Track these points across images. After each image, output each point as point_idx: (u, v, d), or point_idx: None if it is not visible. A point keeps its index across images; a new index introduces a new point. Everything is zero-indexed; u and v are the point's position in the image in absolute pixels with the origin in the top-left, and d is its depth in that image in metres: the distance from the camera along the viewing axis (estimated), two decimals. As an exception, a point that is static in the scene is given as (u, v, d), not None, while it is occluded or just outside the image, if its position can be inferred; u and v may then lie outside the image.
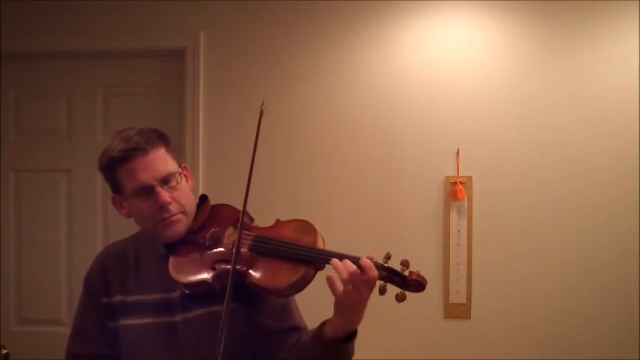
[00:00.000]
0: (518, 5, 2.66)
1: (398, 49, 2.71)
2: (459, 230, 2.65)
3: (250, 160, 1.41)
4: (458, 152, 2.67)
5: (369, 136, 2.71)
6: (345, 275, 1.28)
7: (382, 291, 1.32)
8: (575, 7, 2.64)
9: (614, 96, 2.63)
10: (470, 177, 2.66)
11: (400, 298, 1.32)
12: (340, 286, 1.29)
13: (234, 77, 2.77)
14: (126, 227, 2.88)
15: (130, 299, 1.51)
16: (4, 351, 2.63)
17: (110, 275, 1.54)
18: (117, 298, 1.52)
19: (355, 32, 2.72)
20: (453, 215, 2.66)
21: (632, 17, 2.62)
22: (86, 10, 2.82)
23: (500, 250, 2.65)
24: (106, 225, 2.90)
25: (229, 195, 1.60)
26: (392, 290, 1.32)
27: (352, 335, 1.37)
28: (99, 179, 2.88)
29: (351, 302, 1.30)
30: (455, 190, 2.63)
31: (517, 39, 2.67)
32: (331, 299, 1.35)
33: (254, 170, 1.41)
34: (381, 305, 1.40)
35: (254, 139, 1.41)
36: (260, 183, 2.62)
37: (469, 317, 2.64)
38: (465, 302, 2.64)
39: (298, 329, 1.51)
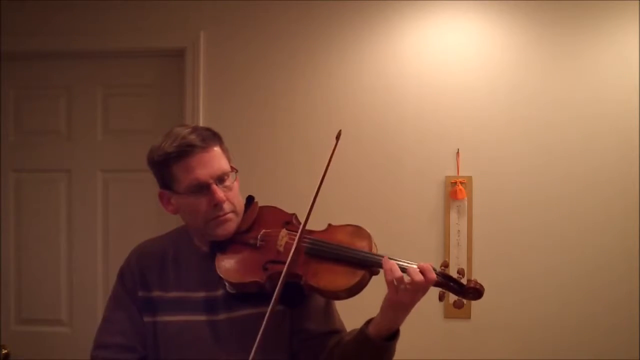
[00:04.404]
0: (518, 5, 2.66)
1: (398, 49, 2.71)
2: (459, 230, 2.65)
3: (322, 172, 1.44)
4: (458, 152, 2.67)
5: (369, 136, 2.71)
6: (409, 279, 1.31)
7: (441, 298, 1.38)
8: (575, 7, 2.64)
9: (613, 96, 2.63)
10: (470, 177, 2.66)
11: (457, 305, 1.41)
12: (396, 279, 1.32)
13: (234, 77, 2.77)
14: (126, 227, 2.90)
15: (170, 295, 1.50)
16: (4, 351, 2.63)
17: (147, 270, 1.53)
18: (156, 293, 1.51)
19: (356, 32, 2.72)
20: (453, 215, 2.66)
21: (632, 17, 2.62)
22: (86, 10, 2.82)
23: (500, 251, 2.65)
24: (106, 225, 2.90)
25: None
26: (450, 297, 1.39)
27: (394, 334, 1.40)
28: (99, 178, 2.92)
29: (403, 301, 1.33)
30: (455, 190, 2.63)
31: (517, 39, 2.67)
32: (370, 304, 1.39)
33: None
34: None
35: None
36: (260, 182, 2.63)
37: (469, 317, 2.64)
38: (465, 302, 2.63)
39: (338, 332, 1.53)
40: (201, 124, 2.74)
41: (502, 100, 2.66)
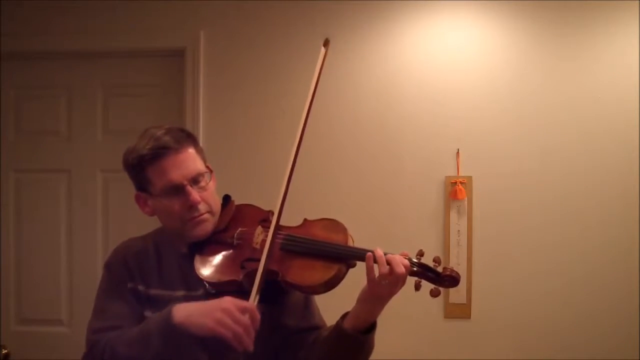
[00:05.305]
0: (518, 5, 2.66)
1: (398, 49, 2.71)
2: (459, 230, 2.65)
3: (290, 164, 1.48)
4: (458, 152, 2.67)
5: (369, 136, 2.71)
6: (385, 270, 1.32)
7: (417, 287, 1.37)
8: (575, 7, 2.64)
9: (613, 96, 2.63)
10: (470, 177, 2.66)
11: (434, 293, 1.38)
12: (377, 272, 1.33)
13: (234, 77, 2.77)
14: (126, 227, 2.89)
15: (152, 292, 1.50)
16: (4, 351, 2.63)
17: (132, 266, 1.52)
18: (141, 287, 1.50)
19: (355, 32, 2.72)
20: (453, 215, 2.65)
21: (632, 17, 2.62)
22: (86, 10, 2.82)
23: (500, 250, 2.65)
24: (106, 225, 2.90)
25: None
26: (427, 286, 1.38)
27: (371, 327, 1.39)
28: (99, 178, 2.92)
29: (381, 292, 1.33)
30: (455, 190, 2.63)
31: (517, 39, 2.67)
32: (348, 297, 1.39)
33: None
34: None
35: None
36: (260, 181, 2.63)
37: (469, 317, 2.64)
38: (465, 302, 2.64)
39: (318, 328, 1.53)
40: (201, 123, 2.75)
41: (503, 100, 2.66)
